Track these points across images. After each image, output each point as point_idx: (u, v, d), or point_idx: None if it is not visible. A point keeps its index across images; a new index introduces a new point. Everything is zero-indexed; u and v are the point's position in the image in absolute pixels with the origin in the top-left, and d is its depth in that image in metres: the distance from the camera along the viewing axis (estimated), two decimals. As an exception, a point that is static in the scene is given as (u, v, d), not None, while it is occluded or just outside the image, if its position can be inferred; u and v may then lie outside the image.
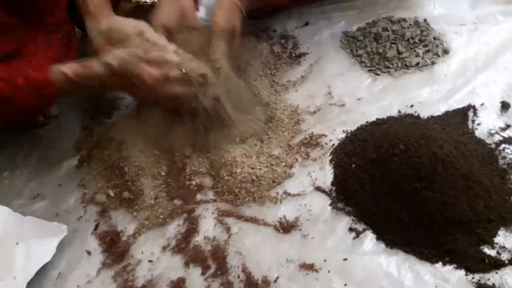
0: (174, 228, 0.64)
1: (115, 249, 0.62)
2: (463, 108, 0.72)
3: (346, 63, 0.85)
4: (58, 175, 0.73)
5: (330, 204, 0.63)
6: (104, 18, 0.71)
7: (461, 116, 0.70)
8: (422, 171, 0.57)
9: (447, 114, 0.71)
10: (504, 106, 0.71)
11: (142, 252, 0.61)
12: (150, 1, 1.11)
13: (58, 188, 0.72)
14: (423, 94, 0.75)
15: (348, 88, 0.80)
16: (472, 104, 0.72)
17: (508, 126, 0.68)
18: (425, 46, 0.82)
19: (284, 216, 0.63)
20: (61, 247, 0.61)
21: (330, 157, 0.70)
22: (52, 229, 0.63)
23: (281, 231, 0.62)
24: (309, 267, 0.57)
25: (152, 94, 0.65)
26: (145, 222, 0.64)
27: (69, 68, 0.62)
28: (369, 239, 0.59)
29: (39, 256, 0.59)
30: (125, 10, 1.06)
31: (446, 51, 0.82)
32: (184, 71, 0.65)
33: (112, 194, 0.68)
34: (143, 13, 1.08)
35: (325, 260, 0.57)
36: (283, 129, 0.76)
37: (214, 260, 0.59)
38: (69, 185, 0.72)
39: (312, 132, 0.74)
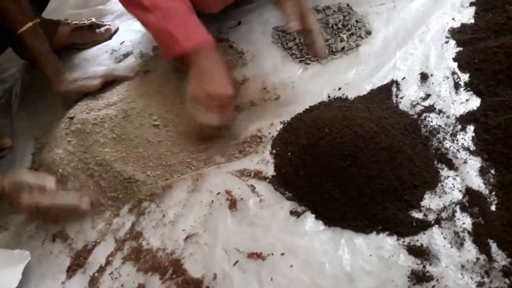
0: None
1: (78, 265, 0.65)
2: (387, 84, 0.76)
3: (279, 57, 0.89)
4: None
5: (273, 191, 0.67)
6: None
7: (385, 92, 0.75)
8: (346, 150, 0.61)
9: (371, 92, 0.75)
10: (423, 77, 0.75)
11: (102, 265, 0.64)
12: (88, 22, 1.13)
13: (18, 216, 0.74)
14: (350, 76, 0.79)
15: (281, 80, 0.84)
16: (394, 79, 0.76)
17: (428, 96, 0.73)
18: (349, 30, 0.86)
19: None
20: (28, 272, 0.64)
21: (270, 148, 0.73)
22: (15, 256, 0.66)
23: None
24: (257, 255, 0.61)
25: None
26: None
27: None
28: (308, 219, 0.63)
29: (5, 284, 0.62)
30: (65, 32, 1.08)
31: (368, 32, 0.86)
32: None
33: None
34: (82, 33, 1.10)
35: (271, 245, 0.61)
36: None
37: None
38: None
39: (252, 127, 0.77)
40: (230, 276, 0.58)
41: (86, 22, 1.12)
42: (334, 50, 0.84)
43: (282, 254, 0.59)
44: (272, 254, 0.60)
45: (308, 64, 0.85)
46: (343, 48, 0.84)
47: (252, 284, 0.57)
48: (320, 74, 0.82)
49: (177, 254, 0.63)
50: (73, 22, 1.10)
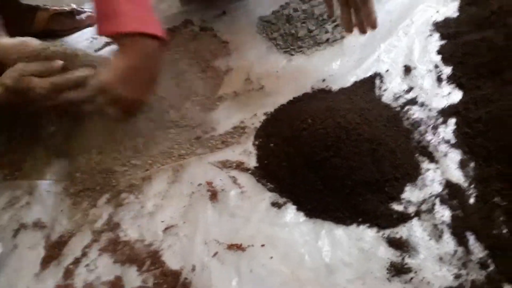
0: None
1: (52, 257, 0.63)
2: (370, 76, 0.76)
3: (263, 48, 0.88)
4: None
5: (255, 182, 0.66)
6: None
7: (368, 84, 0.74)
8: (329, 141, 0.61)
9: (355, 84, 0.75)
10: (407, 69, 0.75)
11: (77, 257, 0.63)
12: (68, 8, 1.09)
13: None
14: (334, 67, 0.79)
15: (265, 71, 0.83)
16: (378, 71, 0.76)
17: (411, 88, 0.73)
18: (334, 21, 0.85)
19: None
20: (0, 264, 0.63)
21: (253, 140, 0.72)
22: (-13, 247, 0.64)
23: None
24: (237, 246, 0.60)
25: (48, 102, 0.66)
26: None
27: None
28: (289, 211, 0.62)
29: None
30: (44, 18, 1.05)
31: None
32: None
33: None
34: (62, 19, 1.07)
35: (251, 236, 0.60)
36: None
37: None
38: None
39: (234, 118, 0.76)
40: (209, 268, 0.57)
41: (66, 8, 1.09)
42: (318, 41, 0.83)
43: (262, 245, 0.59)
44: (252, 245, 0.59)
45: (293, 55, 0.84)
46: (327, 40, 0.83)
47: (231, 276, 0.56)
48: (305, 65, 0.81)
49: (156, 246, 0.61)
50: (53, 8, 1.07)
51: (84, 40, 1.02)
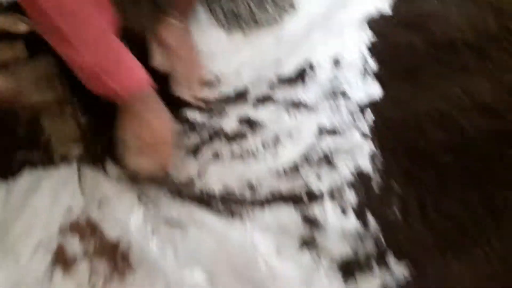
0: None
1: None
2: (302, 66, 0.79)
3: (203, 20, 0.87)
4: None
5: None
6: None
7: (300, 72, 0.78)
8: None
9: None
10: (336, 61, 0.79)
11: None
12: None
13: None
14: (270, 51, 0.82)
15: (202, 45, 0.83)
16: (310, 60, 0.79)
17: (338, 80, 0.77)
18: (275, 3, 0.86)
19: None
20: None
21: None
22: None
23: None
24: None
25: None
26: None
27: None
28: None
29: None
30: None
31: (292, 6, 0.87)
32: None
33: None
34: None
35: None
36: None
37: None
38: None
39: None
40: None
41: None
42: (258, 21, 0.84)
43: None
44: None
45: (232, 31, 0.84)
46: (267, 20, 0.85)
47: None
48: (242, 44, 0.83)
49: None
50: None
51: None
